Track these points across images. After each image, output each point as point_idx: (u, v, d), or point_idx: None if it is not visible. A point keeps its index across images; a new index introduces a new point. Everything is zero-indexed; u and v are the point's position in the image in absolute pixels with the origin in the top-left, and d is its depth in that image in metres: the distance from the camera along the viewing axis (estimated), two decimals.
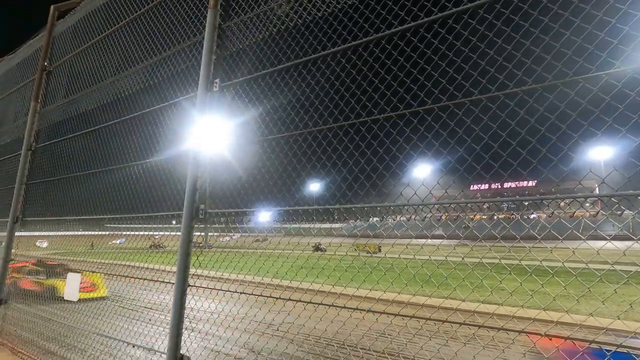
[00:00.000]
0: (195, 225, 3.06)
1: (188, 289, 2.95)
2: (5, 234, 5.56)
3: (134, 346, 3.61)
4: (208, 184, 3.21)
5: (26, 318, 5.23)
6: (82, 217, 4.76)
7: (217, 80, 3.18)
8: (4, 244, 5.35)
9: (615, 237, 1.92)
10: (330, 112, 2.72)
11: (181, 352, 2.91)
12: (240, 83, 3.21)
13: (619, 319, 1.89)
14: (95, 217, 4.57)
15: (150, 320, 7.75)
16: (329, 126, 2.67)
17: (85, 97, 5.02)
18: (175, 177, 3.76)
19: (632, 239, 1.74)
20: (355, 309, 2.43)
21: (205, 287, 3.07)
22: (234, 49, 3.27)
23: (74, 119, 5.14)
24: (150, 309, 9.00)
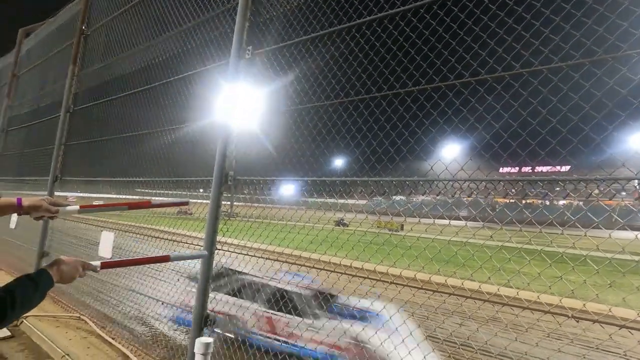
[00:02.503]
0: (226, 195, 3.13)
1: (215, 252, 3.05)
2: (43, 192, 5.87)
3: (162, 303, 3.80)
4: (237, 152, 3.26)
5: None
6: (114, 179, 4.95)
7: (249, 48, 3.16)
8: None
9: None
10: (363, 82, 2.66)
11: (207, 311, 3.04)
12: (272, 51, 3.18)
13: None
14: (127, 179, 4.74)
15: (179, 281, 8.10)
16: (360, 97, 2.63)
17: (120, 61, 5.11)
18: (205, 144, 3.83)
19: None
20: (378, 280, 2.45)
21: (232, 252, 3.17)
22: (267, 16, 3.23)
23: (109, 83, 5.27)
24: (178, 272, 9.38)
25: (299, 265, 3.20)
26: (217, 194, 3.01)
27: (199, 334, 2.92)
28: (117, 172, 4.97)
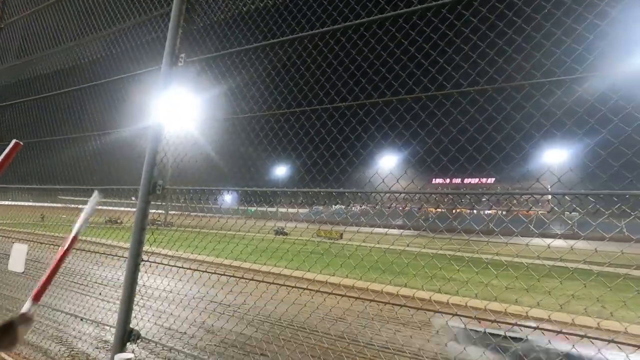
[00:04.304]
0: (156, 203, 3.03)
1: (141, 264, 2.92)
2: None
3: (82, 319, 3.55)
4: (169, 160, 3.17)
5: None
6: (29, 187, 4.56)
7: (182, 55, 3.11)
8: None
9: (563, 236, 2.10)
10: (294, 96, 2.75)
11: (131, 326, 2.90)
12: (207, 60, 3.16)
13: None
14: (44, 187, 4.39)
15: (101, 295, 7.58)
16: (291, 110, 2.70)
17: (40, 60, 4.74)
18: (139, 151, 3.67)
19: (577, 238, 1.86)
20: (317, 290, 2.52)
21: (159, 263, 3.06)
22: (201, 24, 3.21)
23: (27, 83, 4.86)
24: (103, 284, 8.77)
25: (237, 277, 3.15)
26: (144, 204, 2.90)
27: (121, 349, 2.78)
28: (33, 179, 4.57)
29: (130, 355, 2.13)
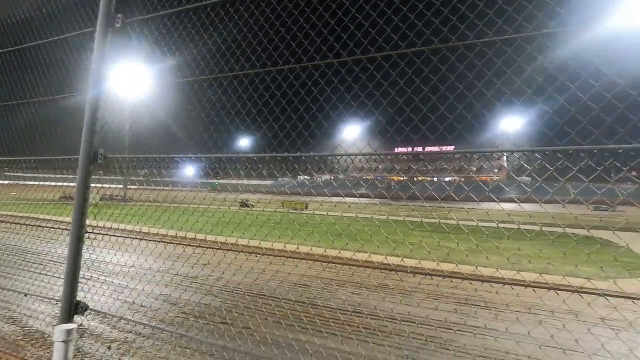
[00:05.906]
0: (96, 176, 2.91)
1: (85, 236, 2.83)
2: None
3: (25, 295, 3.43)
4: (132, 127, 3.03)
5: None
6: None
7: (120, 16, 2.91)
8: None
9: (512, 200, 2.20)
10: (237, 58, 2.66)
11: (85, 301, 2.83)
12: (147, 21, 2.98)
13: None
14: None
15: (53, 273, 7.35)
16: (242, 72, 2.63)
17: None
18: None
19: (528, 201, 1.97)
20: (276, 256, 2.53)
21: (105, 234, 2.97)
22: None
23: None
24: (60, 263, 8.49)
25: (205, 248, 3.08)
26: (85, 174, 2.78)
27: (69, 322, 2.72)
28: None
29: (73, 326, 2.09)
